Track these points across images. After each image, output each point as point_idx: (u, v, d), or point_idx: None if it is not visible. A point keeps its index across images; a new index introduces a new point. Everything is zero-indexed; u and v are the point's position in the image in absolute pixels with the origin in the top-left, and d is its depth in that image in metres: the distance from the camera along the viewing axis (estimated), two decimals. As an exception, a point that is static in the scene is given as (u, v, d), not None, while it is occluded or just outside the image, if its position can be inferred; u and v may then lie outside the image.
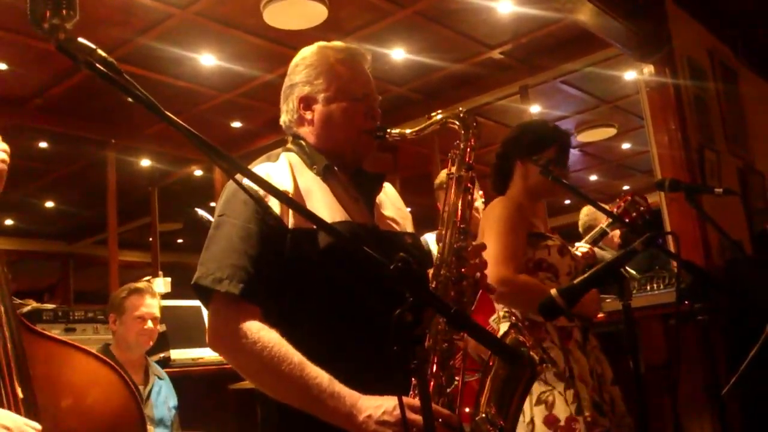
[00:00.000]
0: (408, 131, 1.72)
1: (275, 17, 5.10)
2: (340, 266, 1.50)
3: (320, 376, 1.41)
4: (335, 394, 1.40)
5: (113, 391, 1.67)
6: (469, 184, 1.66)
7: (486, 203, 2.93)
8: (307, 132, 1.73)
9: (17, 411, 1.49)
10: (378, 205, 1.75)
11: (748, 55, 5.48)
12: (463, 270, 1.56)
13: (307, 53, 1.77)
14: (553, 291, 1.63)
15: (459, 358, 1.52)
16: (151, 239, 9.03)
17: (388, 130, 1.71)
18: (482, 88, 6.86)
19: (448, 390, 1.47)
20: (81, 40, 1.03)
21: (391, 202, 1.82)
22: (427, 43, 5.98)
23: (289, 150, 1.72)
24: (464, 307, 1.56)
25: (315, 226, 1.32)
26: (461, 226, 1.61)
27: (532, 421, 2.35)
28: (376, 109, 1.74)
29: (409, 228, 1.81)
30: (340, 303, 1.54)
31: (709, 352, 2.64)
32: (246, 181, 1.34)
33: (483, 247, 1.65)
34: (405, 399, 1.29)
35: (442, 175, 1.75)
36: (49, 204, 9.72)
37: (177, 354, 4.01)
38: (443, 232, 1.61)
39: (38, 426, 1.47)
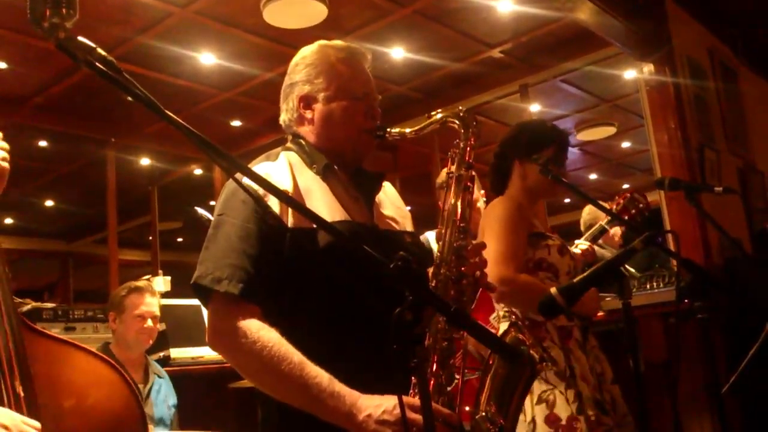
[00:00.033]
0: (408, 130, 1.72)
1: (275, 16, 5.10)
2: (339, 265, 1.50)
3: (320, 375, 1.41)
4: (335, 393, 1.40)
5: (114, 391, 1.67)
6: (468, 183, 1.66)
7: (487, 203, 2.93)
8: (306, 131, 1.73)
9: (18, 409, 1.49)
10: (378, 204, 1.75)
11: (747, 55, 5.48)
12: (462, 269, 1.56)
13: (307, 52, 1.77)
14: (553, 290, 1.63)
15: (459, 357, 1.52)
16: (150, 238, 9.03)
17: (388, 130, 1.71)
18: (482, 86, 6.86)
19: (448, 389, 1.47)
20: (81, 38, 1.03)
21: (390, 201, 1.82)
22: (427, 42, 5.97)
23: (288, 149, 1.72)
24: (464, 306, 1.56)
25: (315, 226, 1.32)
26: (461, 224, 1.61)
27: (533, 420, 2.35)
28: (376, 108, 1.74)
29: (409, 227, 1.81)
30: (340, 302, 1.54)
31: (708, 350, 2.64)
32: (245, 180, 1.34)
33: (483, 245, 1.65)
34: (405, 398, 1.29)
35: (444, 174, 1.76)
36: (49, 203, 9.72)
37: (177, 353, 4.01)
38: (443, 230, 1.61)
39: (37, 424, 1.47)
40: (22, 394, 1.50)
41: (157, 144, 7.69)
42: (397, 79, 6.62)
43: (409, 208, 1.93)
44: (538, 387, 2.38)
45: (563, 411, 2.33)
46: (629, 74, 6.49)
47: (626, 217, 3.01)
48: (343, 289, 1.53)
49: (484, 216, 2.67)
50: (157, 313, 3.35)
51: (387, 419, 1.35)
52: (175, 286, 5.12)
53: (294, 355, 1.43)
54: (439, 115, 1.72)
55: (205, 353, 4.04)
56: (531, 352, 1.45)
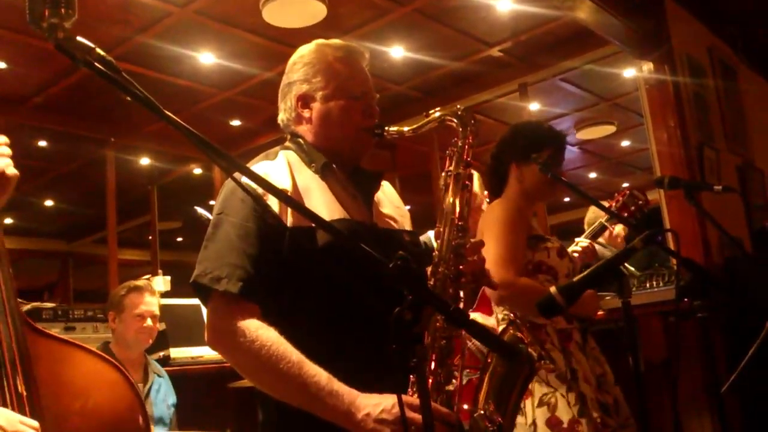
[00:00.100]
0: (406, 129, 1.72)
1: (274, 15, 5.09)
2: (338, 264, 1.50)
3: (318, 374, 1.41)
4: (333, 392, 1.40)
5: (117, 391, 1.67)
6: (467, 182, 1.66)
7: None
8: (305, 130, 1.73)
9: (21, 409, 1.49)
10: (376, 203, 1.75)
11: (747, 53, 5.48)
12: (461, 267, 1.57)
13: (305, 51, 1.77)
14: (553, 289, 1.63)
15: (458, 357, 1.52)
16: (150, 238, 9.02)
17: (386, 128, 1.71)
18: (481, 85, 6.86)
19: (447, 387, 1.47)
20: (80, 38, 1.03)
21: (389, 200, 1.82)
22: (426, 41, 5.97)
23: (287, 148, 1.72)
24: (464, 305, 1.56)
25: (314, 225, 1.32)
26: (459, 223, 1.61)
27: (534, 423, 2.35)
28: (374, 107, 1.74)
29: (408, 226, 1.81)
30: (339, 301, 1.54)
31: (708, 349, 2.64)
32: (244, 180, 1.34)
33: (481, 243, 1.65)
34: (404, 397, 1.29)
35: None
36: (49, 203, 9.71)
37: (176, 352, 4.01)
38: (441, 229, 1.61)
39: (35, 424, 1.47)
40: (24, 394, 1.51)
41: (157, 144, 7.69)
42: (396, 78, 6.61)
43: (408, 207, 1.93)
44: (539, 390, 2.38)
45: (565, 414, 2.32)
46: (629, 73, 6.48)
47: (625, 215, 3.02)
48: (342, 288, 1.53)
49: (482, 218, 2.67)
50: (157, 312, 3.35)
51: (386, 418, 1.35)
52: (174, 286, 5.12)
53: (292, 354, 1.43)
54: (437, 114, 1.72)
55: (205, 353, 4.04)
56: (529, 350, 1.45)
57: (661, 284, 3.74)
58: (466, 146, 1.69)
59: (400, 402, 1.18)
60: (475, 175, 3.03)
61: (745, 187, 4.92)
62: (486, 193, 3.38)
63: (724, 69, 5.06)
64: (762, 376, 2.40)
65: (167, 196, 8.99)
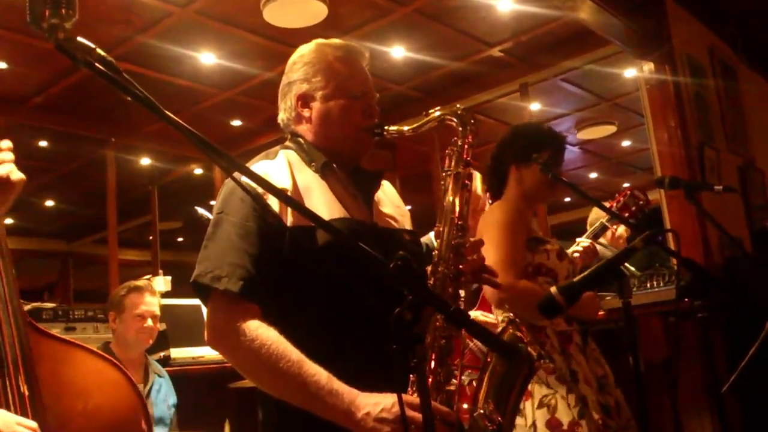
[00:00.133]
0: (406, 128, 1.73)
1: (275, 15, 5.09)
2: (338, 264, 1.50)
3: (318, 373, 1.41)
4: (333, 391, 1.40)
5: (119, 391, 1.68)
6: (466, 181, 1.66)
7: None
8: (305, 129, 1.73)
9: (23, 409, 1.49)
10: (376, 202, 1.75)
11: (747, 53, 5.47)
12: (461, 266, 1.57)
13: (305, 51, 1.77)
14: (553, 289, 1.63)
15: (458, 357, 1.53)
16: (151, 238, 9.02)
17: (386, 127, 1.71)
18: (482, 85, 6.85)
19: (447, 387, 1.47)
20: (80, 39, 1.03)
21: (389, 199, 1.82)
22: (427, 41, 5.97)
23: (287, 147, 1.72)
24: (465, 305, 1.56)
25: (313, 224, 1.32)
26: (459, 222, 1.61)
27: (534, 424, 2.35)
28: (374, 106, 1.74)
29: (408, 225, 1.81)
30: (339, 301, 1.54)
31: (708, 349, 2.64)
32: (244, 179, 1.34)
33: (481, 243, 1.65)
34: (404, 396, 1.29)
35: None
36: (49, 203, 9.71)
37: (177, 353, 4.01)
38: (441, 228, 1.62)
39: (33, 424, 1.47)
40: (27, 394, 1.51)
41: (157, 144, 7.69)
42: (397, 78, 6.61)
43: (408, 207, 1.93)
44: (539, 391, 2.37)
45: (565, 416, 2.32)
46: (629, 73, 6.48)
47: (626, 215, 3.02)
48: (342, 288, 1.54)
49: (482, 220, 2.66)
50: (157, 312, 3.35)
51: (385, 417, 1.35)
52: (175, 286, 5.12)
53: (292, 353, 1.43)
54: (437, 113, 1.72)
55: (206, 353, 4.05)
56: (529, 349, 1.45)
57: (661, 284, 3.74)
58: (466, 145, 1.69)
59: (400, 401, 1.18)
60: (477, 176, 3.03)
61: (745, 187, 4.92)
62: (489, 194, 3.38)
63: (725, 69, 5.06)
64: (762, 376, 2.40)
65: (168, 196, 8.99)
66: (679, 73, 4.39)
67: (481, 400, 1.46)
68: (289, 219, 1.53)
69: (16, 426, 1.44)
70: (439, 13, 5.51)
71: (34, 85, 6.24)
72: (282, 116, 1.78)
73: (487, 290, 2.48)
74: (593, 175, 10.53)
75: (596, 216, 4.41)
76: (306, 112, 1.73)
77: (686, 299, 2.87)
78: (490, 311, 2.81)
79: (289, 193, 1.55)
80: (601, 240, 3.82)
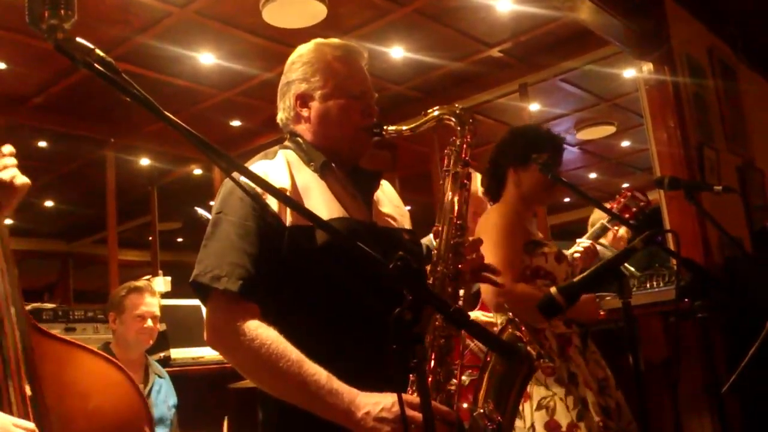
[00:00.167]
0: (404, 128, 1.73)
1: (274, 16, 5.09)
2: (337, 263, 1.51)
3: (318, 372, 1.41)
4: (333, 390, 1.40)
5: (121, 391, 1.68)
6: (465, 180, 1.66)
7: None
8: (304, 129, 1.73)
9: (25, 409, 1.49)
10: (376, 202, 1.75)
11: (747, 53, 5.47)
12: (460, 266, 1.57)
13: (303, 50, 1.77)
14: (553, 289, 1.63)
15: (458, 356, 1.52)
16: (150, 238, 9.02)
17: (385, 127, 1.71)
18: (481, 86, 6.86)
19: (447, 386, 1.47)
20: (79, 39, 1.03)
21: (388, 199, 1.82)
22: (427, 41, 5.97)
23: (286, 147, 1.72)
24: (465, 305, 1.56)
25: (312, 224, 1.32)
26: (458, 221, 1.61)
27: (532, 426, 2.35)
28: (373, 106, 1.74)
29: (407, 225, 1.81)
30: (338, 300, 1.54)
31: (708, 349, 2.64)
32: (243, 179, 1.34)
33: (480, 241, 1.65)
34: (404, 396, 1.29)
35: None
36: (49, 203, 9.71)
37: (177, 353, 4.01)
38: (440, 228, 1.62)
39: (30, 425, 1.47)
40: (30, 395, 1.51)
41: (157, 144, 7.69)
42: (396, 79, 6.61)
43: (408, 207, 1.93)
44: (537, 393, 2.37)
45: (563, 418, 2.32)
46: (628, 73, 6.48)
47: (627, 216, 3.02)
48: (342, 288, 1.53)
49: (479, 224, 2.66)
50: (158, 313, 3.35)
51: (385, 417, 1.35)
52: (175, 287, 5.12)
53: (292, 352, 1.43)
54: (436, 112, 1.72)
55: (206, 353, 4.04)
56: (528, 348, 1.45)
57: (661, 284, 3.74)
58: (464, 145, 1.69)
59: (400, 400, 1.18)
60: (478, 177, 3.03)
61: (745, 188, 4.92)
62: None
63: (724, 69, 5.06)
64: (762, 376, 2.40)
65: (167, 197, 8.99)
66: (678, 73, 4.39)
67: (481, 399, 1.46)
68: (288, 219, 1.53)
69: (13, 427, 1.44)
70: (438, 14, 5.51)
71: (34, 85, 6.24)
72: (281, 116, 1.78)
73: (485, 295, 2.48)
74: (593, 176, 10.53)
75: (598, 216, 4.41)
76: (305, 112, 1.72)
77: (686, 299, 2.87)
78: (488, 311, 2.81)
79: (288, 193, 1.55)
80: (602, 241, 3.82)
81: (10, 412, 1.49)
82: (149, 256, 9.47)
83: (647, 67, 4.44)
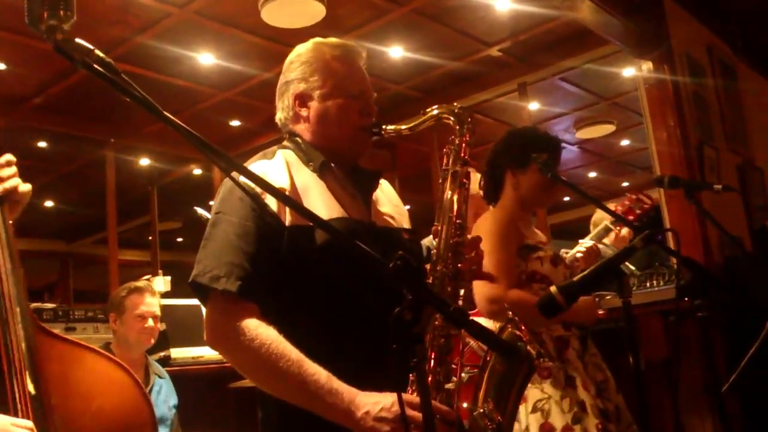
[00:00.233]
0: (403, 127, 1.72)
1: (273, 16, 5.09)
2: (337, 263, 1.50)
3: (318, 372, 1.41)
4: (333, 390, 1.40)
5: (125, 391, 1.69)
6: (464, 180, 1.66)
7: None
8: (302, 129, 1.73)
9: (28, 409, 1.50)
10: (375, 201, 1.75)
11: (746, 52, 5.48)
12: (459, 265, 1.57)
13: (302, 50, 1.77)
14: (553, 288, 1.63)
15: (457, 355, 1.52)
16: (150, 238, 9.02)
17: (384, 126, 1.71)
18: (481, 85, 6.86)
19: (447, 386, 1.47)
20: (78, 40, 1.03)
21: (387, 198, 1.82)
22: (426, 40, 5.97)
23: (285, 147, 1.72)
24: (465, 305, 1.56)
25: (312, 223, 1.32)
26: (457, 221, 1.61)
27: (527, 429, 2.34)
28: (372, 105, 1.74)
29: (406, 224, 1.81)
30: (338, 300, 1.54)
31: (708, 349, 2.64)
32: (242, 179, 1.34)
33: (479, 240, 1.65)
34: (403, 395, 1.29)
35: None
36: (49, 203, 9.71)
37: (177, 353, 4.01)
38: (439, 227, 1.61)
39: (29, 423, 1.47)
40: (34, 394, 1.51)
41: (157, 144, 7.69)
42: (395, 78, 6.62)
43: (408, 207, 1.93)
44: (533, 395, 2.37)
45: (558, 420, 2.32)
46: (628, 72, 6.48)
47: (631, 218, 3.02)
48: (341, 288, 1.53)
49: (474, 229, 2.65)
50: (158, 312, 3.35)
51: (385, 416, 1.35)
52: (175, 286, 5.13)
53: (292, 352, 1.43)
54: (435, 111, 1.72)
55: (206, 353, 4.05)
56: (528, 348, 1.45)
57: (661, 283, 3.74)
58: (463, 144, 1.69)
59: (400, 400, 1.18)
60: (477, 176, 3.02)
61: (745, 187, 4.92)
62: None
63: (724, 68, 5.06)
64: (762, 376, 2.40)
65: (167, 197, 8.99)
66: (678, 72, 4.39)
67: (481, 399, 1.45)
68: (288, 219, 1.53)
69: (12, 427, 1.44)
70: (437, 13, 5.51)
71: (34, 86, 6.24)
72: (279, 116, 1.78)
73: (479, 303, 2.47)
74: (592, 175, 10.53)
75: (600, 216, 4.41)
76: (303, 112, 1.72)
77: (686, 298, 2.86)
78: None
79: (287, 193, 1.55)
80: (605, 240, 3.82)
81: (15, 412, 1.49)
82: (149, 256, 9.47)
83: (647, 66, 4.44)
